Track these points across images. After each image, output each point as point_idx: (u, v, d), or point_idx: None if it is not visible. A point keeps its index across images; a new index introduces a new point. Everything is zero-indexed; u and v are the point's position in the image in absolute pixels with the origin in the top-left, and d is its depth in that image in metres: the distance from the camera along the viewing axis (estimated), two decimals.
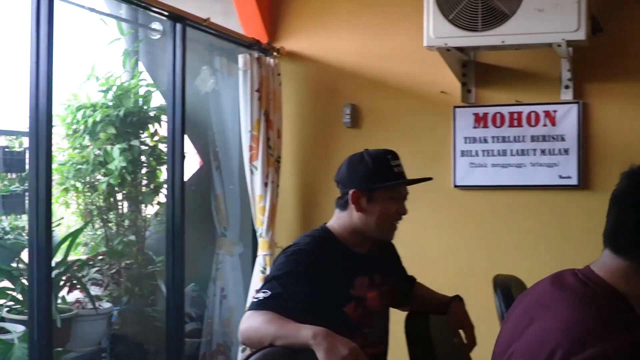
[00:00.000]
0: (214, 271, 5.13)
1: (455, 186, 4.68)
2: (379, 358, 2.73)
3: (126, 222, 5.01)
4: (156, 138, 5.05)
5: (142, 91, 5.05)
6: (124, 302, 4.86)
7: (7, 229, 4.38)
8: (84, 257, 4.87)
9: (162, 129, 4.99)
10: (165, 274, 4.42)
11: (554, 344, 1.55)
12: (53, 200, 4.47)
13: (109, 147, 4.77)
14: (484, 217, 4.66)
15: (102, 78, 4.95)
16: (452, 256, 4.69)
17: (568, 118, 4.45)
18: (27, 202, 4.24)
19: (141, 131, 5.01)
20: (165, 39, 4.47)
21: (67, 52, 4.68)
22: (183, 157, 4.31)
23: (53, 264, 3.86)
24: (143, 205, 5.08)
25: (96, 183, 4.84)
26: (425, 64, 4.65)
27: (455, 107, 4.68)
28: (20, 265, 4.22)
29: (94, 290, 4.74)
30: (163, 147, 4.92)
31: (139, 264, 4.98)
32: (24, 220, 4.39)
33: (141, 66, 5.31)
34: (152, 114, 5.03)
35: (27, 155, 4.43)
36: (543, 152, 4.50)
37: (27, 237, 3.80)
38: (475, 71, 4.66)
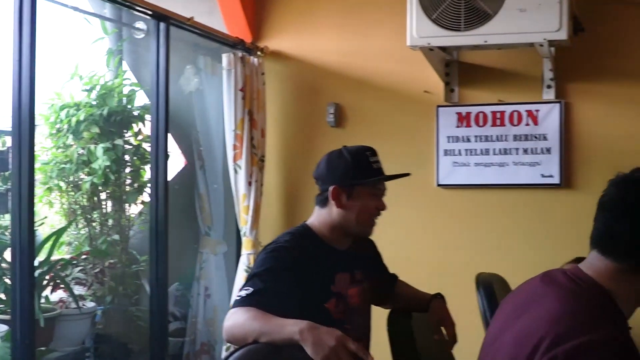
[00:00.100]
0: (197, 270, 5.13)
1: (439, 185, 4.70)
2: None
3: (110, 222, 4.99)
4: (140, 137, 5.03)
5: (126, 90, 5.04)
6: (107, 301, 4.85)
7: None
8: (67, 256, 4.84)
9: (146, 128, 4.98)
10: (148, 273, 4.42)
11: (541, 334, 1.61)
12: (36, 200, 4.48)
13: (92, 147, 4.75)
14: (467, 215, 4.68)
15: (86, 77, 4.93)
16: (436, 254, 4.71)
17: (550, 117, 4.48)
18: (10, 201, 4.22)
19: (125, 130, 4.99)
20: (149, 38, 4.46)
21: (50, 51, 4.67)
22: (167, 156, 4.31)
23: (36, 263, 3.85)
24: (127, 205, 5.06)
25: (80, 182, 4.83)
26: (408, 63, 4.67)
27: (439, 106, 4.70)
28: (3, 265, 4.19)
29: (78, 290, 4.72)
30: (147, 146, 4.90)
31: (123, 263, 4.97)
32: (6, 220, 4.36)
33: (125, 65, 5.29)
34: (136, 113, 5.01)
35: (10, 155, 4.41)
36: (525, 151, 4.53)
37: (9, 237, 3.78)
38: (458, 71, 4.69)
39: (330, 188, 2.64)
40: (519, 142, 4.54)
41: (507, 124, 4.56)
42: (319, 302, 2.53)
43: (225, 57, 4.67)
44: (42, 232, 4.59)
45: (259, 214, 4.77)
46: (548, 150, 4.48)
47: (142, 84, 5.10)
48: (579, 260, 2.86)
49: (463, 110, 4.65)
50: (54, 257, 4.57)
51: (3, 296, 4.16)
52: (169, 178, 4.40)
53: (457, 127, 4.66)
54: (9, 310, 3.78)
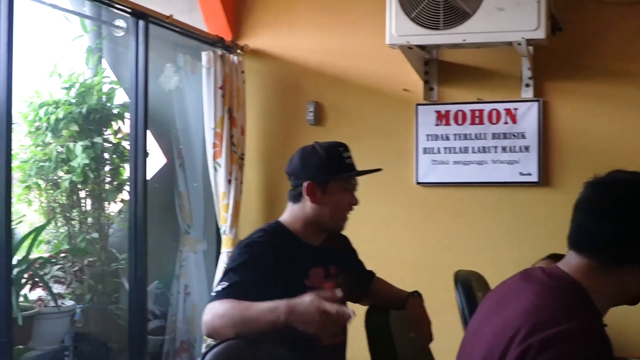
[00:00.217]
0: (177, 268, 5.12)
1: (418, 183, 4.72)
2: (337, 349, 2.75)
3: (89, 220, 4.98)
4: (119, 135, 5.03)
5: (105, 88, 5.03)
6: (86, 300, 4.84)
7: None
8: (46, 254, 4.83)
9: (126, 126, 4.97)
10: (128, 271, 4.41)
11: (518, 325, 1.66)
12: (15, 198, 4.46)
13: (71, 145, 4.74)
14: (446, 213, 4.70)
15: (65, 75, 4.92)
16: (414, 252, 4.72)
17: (528, 116, 4.51)
18: None
19: (104, 128, 4.98)
20: (128, 36, 4.45)
21: (29, 49, 4.65)
22: (146, 154, 4.30)
23: (15, 261, 3.84)
24: (106, 203, 5.05)
25: (59, 180, 4.82)
26: (388, 61, 4.68)
27: (418, 104, 4.71)
28: None
29: (57, 288, 4.70)
30: (126, 144, 4.90)
31: (102, 261, 4.96)
32: None
33: (104, 63, 5.28)
34: (115, 111, 5.01)
35: None
36: (504, 149, 4.55)
37: None
38: (437, 69, 4.70)
39: (305, 183, 2.66)
40: (497, 140, 4.56)
41: (486, 122, 4.59)
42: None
43: (205, 55, 4.67)
44: (20, 230, 4.57)
45: (238, 212, 4.77)
46: (526, 149, 4.51)
47: (122, 82, 5.09)
48: (554, 256, 2.90)
49: (442, 108, 4.67)
50: (33, 256, 4.55)
51: None
52: (149, 176, 4.39)
53: (437, 125, 4.67)
54: None
